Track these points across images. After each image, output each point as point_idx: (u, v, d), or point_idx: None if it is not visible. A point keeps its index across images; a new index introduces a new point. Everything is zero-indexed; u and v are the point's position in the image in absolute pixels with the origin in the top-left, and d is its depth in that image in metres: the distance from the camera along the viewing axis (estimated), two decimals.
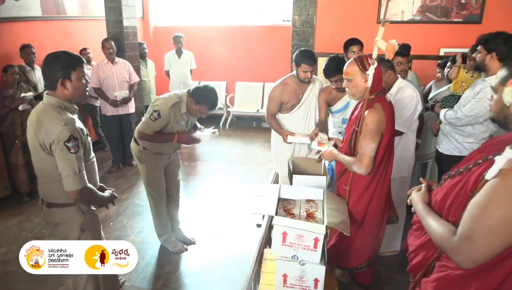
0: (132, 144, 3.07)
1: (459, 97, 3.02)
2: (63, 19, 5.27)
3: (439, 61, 3.92)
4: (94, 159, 2.19)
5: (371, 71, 2.05)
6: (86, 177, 1.97)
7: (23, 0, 4.55)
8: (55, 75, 1.90)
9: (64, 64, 1.91)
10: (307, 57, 2.90)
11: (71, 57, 1.95)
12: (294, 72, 3.05)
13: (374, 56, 2.06)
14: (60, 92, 1.94)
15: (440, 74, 3.90)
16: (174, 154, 3.16)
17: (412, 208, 1.48)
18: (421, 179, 1.57)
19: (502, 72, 1.24)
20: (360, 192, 2.23)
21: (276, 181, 3.46)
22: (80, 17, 5.59)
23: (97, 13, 5.78)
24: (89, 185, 2.00)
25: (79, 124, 1.97)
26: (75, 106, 2.03)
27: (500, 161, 1.09)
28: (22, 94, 3.96)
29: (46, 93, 1.97)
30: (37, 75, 4.43)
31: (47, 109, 1.92)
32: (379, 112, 2.06)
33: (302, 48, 3.10)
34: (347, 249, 2.36)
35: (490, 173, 1.10)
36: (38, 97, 4.33)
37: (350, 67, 2.12)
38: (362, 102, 2.21)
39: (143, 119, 2.91)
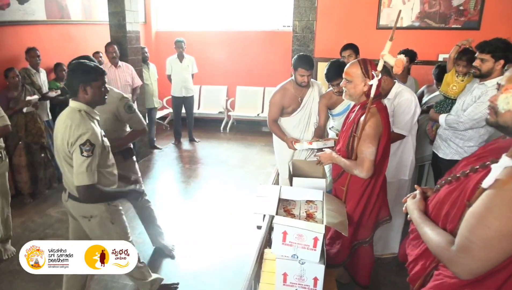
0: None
1: (453, 101, 3.06)
2: (67, 23, 5.34)
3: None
4: (113, 162, 2.30)
5: (374, 82, 2.09)
6: (95, 176, 2.04)
7: (28, 4, 4.61)
8: (77, 82, 2.07)
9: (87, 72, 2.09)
10: (304, 61, 2.97)
11: (94, 68, 2.13)
12: (293, 77, 3.11)
13: (379, 68, 2.10)
14: (81, 97, 2.10)
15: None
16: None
17: (408, 216, 1.46)
18: (416, 186, 1.56)
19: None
20: (357, 193, 2.28)
21: (276, 184, 3.51)
22: (83, 21, 5.66)
23: (100, 18, 5.85)
24: (97, 185, 2.06)
25: (97, 129, 2.09)
26: (95, 112, 2.18)
27: (496, 170, 1.08)
28: (27, 98, 4.01)
29: (71, 99, 2.14)
30: (42, 78, 4.49)
31: (73, 112, 2.08)
32: (376, 116, 2.11)
33: (301, 53, 3.16)
34: (339, 246, 2.41)
35: (486, 182, 1.09)
36: (43, 99, 4.39)
37: (352, 68, 2.16)
38: (357, 106, 2.27)
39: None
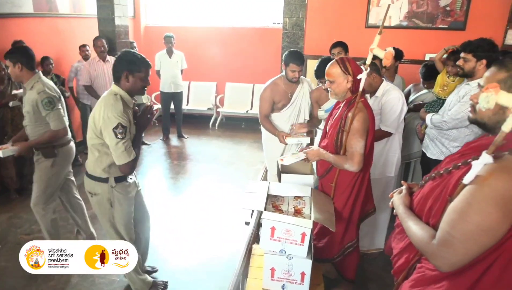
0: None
1: (443, 101, 3.12)
2: (54, 16, 5.26)
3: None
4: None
5: (363, 76, 2.14)
6: (132, 152, 2.24)
7: None
8: (121, 69, 2.25)
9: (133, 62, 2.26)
10: (295, 57, 2.99)
11: (141, 59, 2.28)
12: (283, 73, 3.14)
13: (368, 62, 2.16)
14: (122, 83, 2.28)
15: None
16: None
17: (394, 211, 1.50)
18: (402, 181, 1.60)
19: (493, 74, 1.21)
20: (344, 188, 2.32)
21: (265, 180, 3.53)
22: (72, 14, 5.59)
23: (89, 11, 5.78)
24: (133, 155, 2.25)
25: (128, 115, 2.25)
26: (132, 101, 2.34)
27: (476, 166, 1.11)
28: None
29: (113, 83, 2.33)
30: None
31: (109, 95, 2.26)
32: (363, 111, 2.17)
33: (292, 49, 3.19)
34: (326, 241, 2.44)
35: (467, 178, 1.13)
36: None
37: (332, 69, 2.21)
38: (342, 102, 2.31)
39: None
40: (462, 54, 2.65)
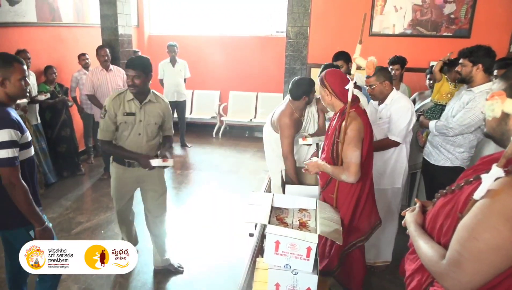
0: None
1: (443, 107, 3.13)
2: (58, 25, 5.27)
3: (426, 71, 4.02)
4: None
5: (350, 86, 2.10)
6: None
7: (19, 6, 4.55)
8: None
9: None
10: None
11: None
12: (291, 106, 2.97)
13: (353, 72, 2.13)
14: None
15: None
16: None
17: (407, 230, 1.43)
18: (416, 199, 1.54)
19: (499, 85, 1.18)
20: (346, 199, 2.28)
21: (269, 190, 3.48)
22: (75, 24, 5.60)
23: (92, 21, 5.80)
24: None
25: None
26: None
27: (487, 180, 1.05)
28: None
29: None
30: (31, 81, 4.42)
31: None
32: (356, 119, 2.15)
33: (297, 78, 3.00)
34: (330, 252, 2.39)
35: (477, 193, 1.06)
36: (32, 102, 4.32)
37: (317, 85, 2.32)
38: (337, 114, 2.29)
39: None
40: (460, 60, 2.73)
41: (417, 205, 1.47)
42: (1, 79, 1.95)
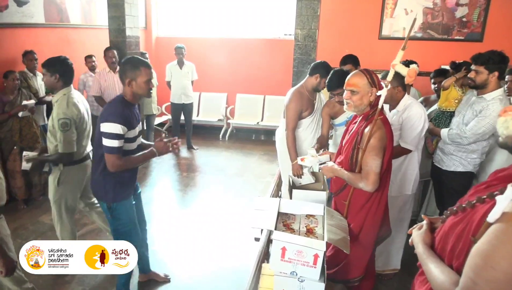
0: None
1: (451, 113, 3.05)
2: (66, 26, 5.29)
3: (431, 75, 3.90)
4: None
5: (383, 92, 2.04)
6: None
7: (27, 7, 4.57)
8: None
9: None
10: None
11: None
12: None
13: (389, 78, 2.06)
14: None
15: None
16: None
17: (415, 249, 1.35)
18: (423, 215, 1.45)
19: None
20: (359, 207, 2.21)
21: (276, 194, 3.42)
22: (83, 25, 5.62)
23: (100, 22, 5.81)
24: None
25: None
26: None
27: (502, 202, 0.96)
28: (24, 102, 3.94)
29: None
30: (39, 82, 4.42)
31: None
32: (381, 128, 2.05)
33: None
34: (342, 261, 2.33)
35: (492, 216, 0.98)
36: (39, 103, 4.32)
37: (357, 79, 2.09)
38: (359, 118, 2.20)
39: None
40: (473, 67, 2.66)
41: (424, 222, 1.38)
42: (129, 80, 2.28)
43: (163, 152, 2.47)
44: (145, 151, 2.43)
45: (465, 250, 1.08)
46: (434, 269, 1.14)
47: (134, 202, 2.60)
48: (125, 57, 2.34)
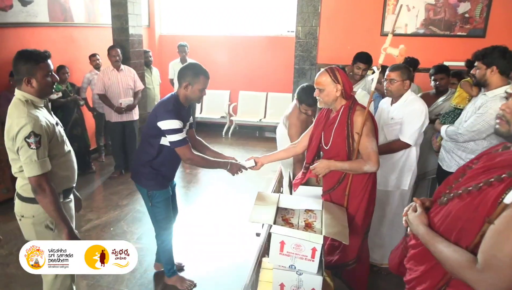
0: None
1: (461, 111, 3.01)
2: (70, 25, 5.34)
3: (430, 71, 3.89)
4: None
5: (375, 76, 2.19)
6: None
7: (31, 6, 4.62)
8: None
9: None
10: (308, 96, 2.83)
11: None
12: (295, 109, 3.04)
13: (381, 62, 2.16)
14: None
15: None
16: None
17: (408, 229, 1.40)
18: (414, 199, 1.49)
19: None
20: (358, 192, 2.28)
21: (277, 190, 3.46)
22: (86, 24, 5.66)
23: (103, 21, 5.86)
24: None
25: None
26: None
27: None
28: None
29: None
30: None
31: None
32: (365, 112, 2.16)
33: (304, 85, 3.00)
34: (341, 245, 2.37)
35: (509, 197, 1.06)
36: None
37: (322, 78, 2.23)
38: (341, 110, 2.25)
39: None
40: (475, 63, 2.59)
41: (417, 204, 1.42)
42: (186, 83, 2.47)
43: (232, 172, 2.69)
44: (221, 160, 2.70)
45: (476, 231, 1.15)
46: (445, 249, 1.19)
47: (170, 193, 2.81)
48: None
